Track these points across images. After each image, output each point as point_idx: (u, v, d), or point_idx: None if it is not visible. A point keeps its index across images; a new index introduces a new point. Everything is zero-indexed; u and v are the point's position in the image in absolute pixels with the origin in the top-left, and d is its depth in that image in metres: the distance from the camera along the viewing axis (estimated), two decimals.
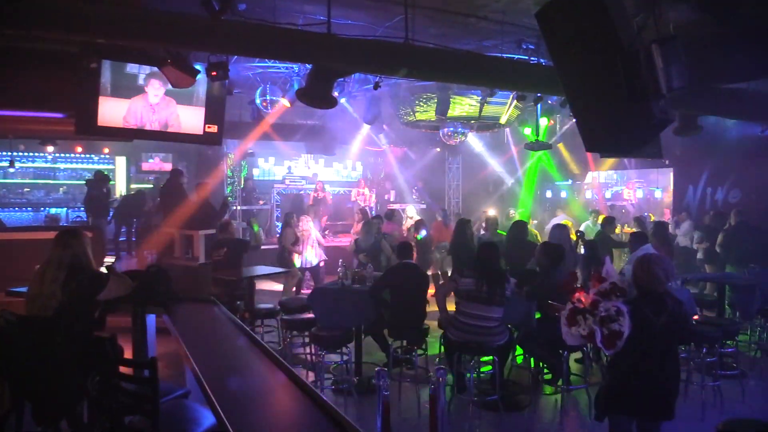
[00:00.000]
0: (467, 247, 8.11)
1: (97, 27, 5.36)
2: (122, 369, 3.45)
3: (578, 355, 6.33)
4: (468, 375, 5.53)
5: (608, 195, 17.31)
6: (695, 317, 6.48)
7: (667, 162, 13.33)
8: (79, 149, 14.55)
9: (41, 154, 14.16)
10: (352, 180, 17.44)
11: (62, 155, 14.49)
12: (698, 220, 11.46)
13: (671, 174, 14.58)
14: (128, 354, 4.76)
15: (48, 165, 14.47)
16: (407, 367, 6.31)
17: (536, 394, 5.93)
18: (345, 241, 13.19)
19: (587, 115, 4.26)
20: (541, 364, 6.11)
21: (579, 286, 3.76)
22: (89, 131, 7.35)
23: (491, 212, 11.39)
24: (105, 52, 6.79)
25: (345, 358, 5.89)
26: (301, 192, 15.43)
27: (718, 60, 6.24)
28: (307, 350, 6.73)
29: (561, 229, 8.40)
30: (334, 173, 17.55)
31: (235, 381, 3.18)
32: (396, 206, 15.53)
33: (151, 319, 4.84)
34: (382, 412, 3.36)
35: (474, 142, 16.14)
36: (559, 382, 5.68)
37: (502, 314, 5.43)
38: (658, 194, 16.27)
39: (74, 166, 14.75)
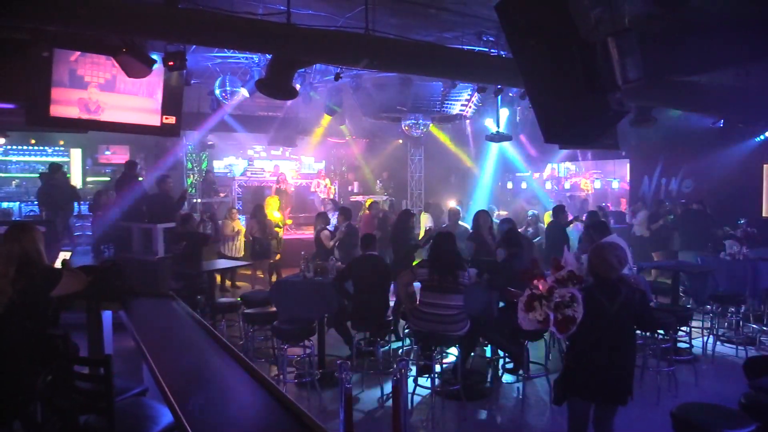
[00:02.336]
0: (405, 238, 8.17)
1: (48, 13, 5.17)
2: (77, 367, 3.37)
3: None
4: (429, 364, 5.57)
5: (567, 186, 17.58)
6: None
7: (623, 153, 13.64)
8: (33, 141, 14.07)
9: None
10: (313, 172, 17.31)
11: (14, 147, 14.00)
12: (652, 209, 11.79)
13: (628, 165, 14.92)
14: (84, 351, 4.64)
15: None
16: (371, 359, 6.32)
17: (498, 383, 6.01)
18: (308, 233, 13.11)
19: (545, 106, 4.31)
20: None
21: (539, 273, 3.82)
22: (41, 122, 7.10)
23: (452, 204, 11.46)
24: (57, 40, 6.55)
25: (308, 351, 5.87)
26: (263, 184, 15.27)
27: (672, 53, 6.39)
28: (270, 344, 6.68)
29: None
30: (295, 165, 17.37)
31: (193, 378, 3.13)
32: (359, 198, 15.50)
33: (107, 316, 4.72)
34: (345, 405, 3.36)
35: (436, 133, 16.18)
36: (520, 371, 5.77)
37: (462, 302, 5.47)
38: (615, 185, 16.61)
39: (27, 158, 14.27)
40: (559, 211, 9.62)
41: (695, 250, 9.17)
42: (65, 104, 6.94)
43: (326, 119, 13.35)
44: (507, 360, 6.24)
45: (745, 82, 8.68)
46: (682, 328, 6.51)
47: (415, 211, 11.41)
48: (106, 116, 7.29)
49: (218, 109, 11.58)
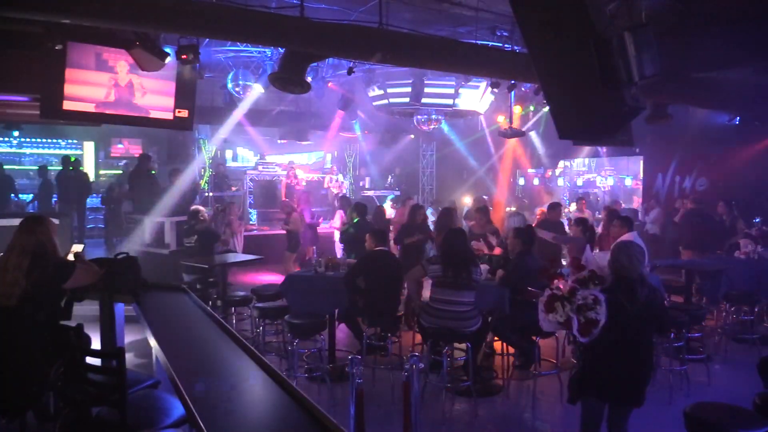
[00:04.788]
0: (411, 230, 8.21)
1: (61, 6, 5.19)
2: (90, 359, 3.39)
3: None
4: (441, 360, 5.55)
5: (580, 183, 17.46)
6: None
7: (637, 150, 13.52)
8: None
9: (6, 139, 13.77)
10: (326, 167, 17.32)
11: (28, 140, 14.12)
12: (667, 207, 11.69)
13: (641, 162, 14.79)
14: (96, 343, 4.67)
15: (13, 150, 14.09)
16: (381, 354, 6.31)
17: (509, 379, 5.99)
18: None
19: (560, 102, 4.27)
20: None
21: (558, 272, 3.79)
22: (55, 115, 7.14)
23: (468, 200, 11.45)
24: (71, 33, 6.58)
25: (319, 345, 5.87)
26: (274, 179, 15.29)
27: (690, 49, 6.31)
28: (281, 338, 6.69)
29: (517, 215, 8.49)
30: (306, 159, 17.39)
31: (205, 370, 3.13)
32: (371, 193, 15.50)
33: (119, 308, 4.74)
34: (356, 400, 3.36)
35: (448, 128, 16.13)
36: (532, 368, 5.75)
37: (474, 299, 5.45)
38: (628, 182, 16.46)
39: (40, 151, 14.39)
40: (551, 208, 9.56)
41: (695, 250, 9.09)
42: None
43: (339, 114, 13.33)
44: (518, 356, 6.21)
45: (763, 79, 8.57)
46: (696, 327, 6.45)
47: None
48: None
49: (231, 103, 11.59)
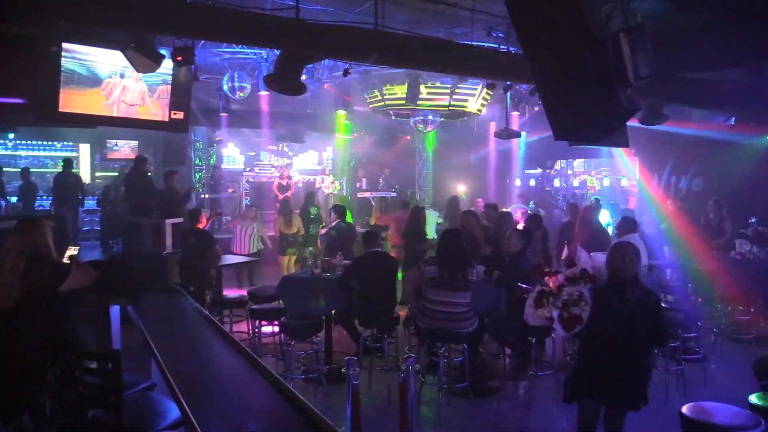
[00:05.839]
0: (420, 234, 8.26)
1: (57, 8, 5.18)
2: (85, 361, 3.38)
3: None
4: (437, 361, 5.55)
5: (576, 183, 17.48)
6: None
7: (633, 151, 13.55)
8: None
9: (1, 141, 13.73)
10: (319, 168, 17.31)
11: (23, 142, 14.07)
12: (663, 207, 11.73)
13: (637, 163, 14.82)
14: (92, 345, 4.67)
15: (8, 152, 14.03)
16: (378, 355, 6.31)
17: (505, 380, 5.99)
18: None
19: (556, 103, 4.27)
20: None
21: (552, 270, 3.80)
22: (50, 118, 7.10)
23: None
24: (66, 34, 6.55)
25: (315, 347, 5.87)
26: (270, 180, 15.26)
27: (685, 49, 6.32)
28: (277, 340, 6.68)
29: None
30: (303, 162, 17.34)
31: (200, 373, 3.13)
32: (367, 194, 15.48)
33: (115, 310, 4.73)
34: (352, 401, 3.36)
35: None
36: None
37: (470, 299, 5.45)
38: (624, 182, 16.48)
39: (36, 153, 14.34)
40: (570, 209, 9.61)
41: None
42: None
43: (338, 115, 13.31)
44: (515, 357, 6.22)
45: (758, 80, 8.58)
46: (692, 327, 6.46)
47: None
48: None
49: (226, 105, 11.58)
